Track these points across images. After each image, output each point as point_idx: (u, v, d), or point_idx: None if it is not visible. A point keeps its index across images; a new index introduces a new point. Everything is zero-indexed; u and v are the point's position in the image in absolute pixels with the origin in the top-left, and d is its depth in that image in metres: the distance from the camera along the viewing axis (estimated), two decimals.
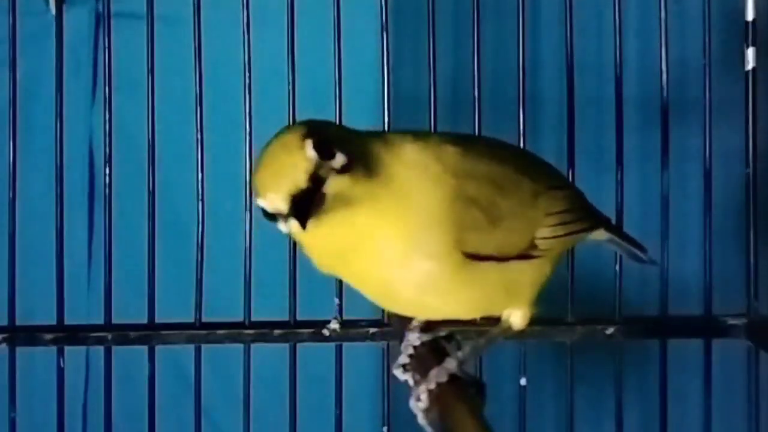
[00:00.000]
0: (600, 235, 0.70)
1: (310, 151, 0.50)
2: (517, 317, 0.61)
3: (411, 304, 0.58)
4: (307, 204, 0.50)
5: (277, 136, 0.53)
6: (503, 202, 0.56)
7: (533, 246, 0.58)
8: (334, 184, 0.50)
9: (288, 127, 0.54)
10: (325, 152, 0.50)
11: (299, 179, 0.50)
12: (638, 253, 0.73)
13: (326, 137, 0.51)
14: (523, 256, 0.58)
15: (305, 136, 0.51)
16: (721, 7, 0.87)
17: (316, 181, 0.50)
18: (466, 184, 0.55)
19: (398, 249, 0.53)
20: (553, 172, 0.65)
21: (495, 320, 0.62)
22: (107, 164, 0.87)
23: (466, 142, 0.58)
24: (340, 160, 0.51)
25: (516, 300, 0.60)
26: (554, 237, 0.60)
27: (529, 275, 0.59)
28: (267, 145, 0.53)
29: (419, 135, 0.57)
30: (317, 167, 0.50)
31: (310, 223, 0.50)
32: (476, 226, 0.55)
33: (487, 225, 0.55)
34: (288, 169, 0.50)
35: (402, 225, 0.53)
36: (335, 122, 0.55)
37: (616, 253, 0.83)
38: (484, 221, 0.55)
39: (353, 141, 0.53)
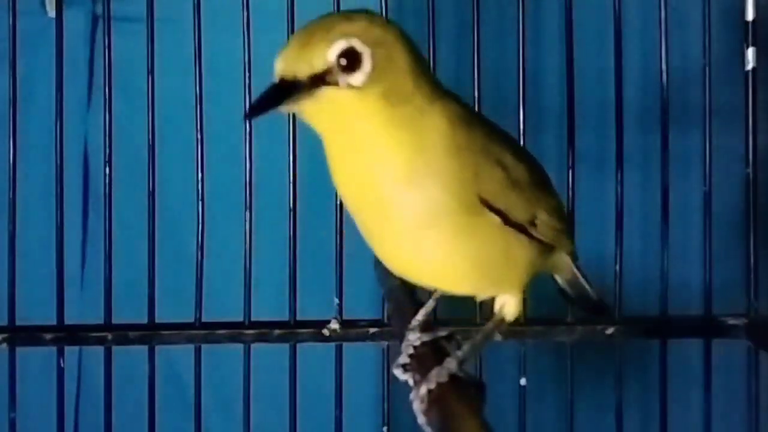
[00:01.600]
0: (566, 270, 0.70)
1: (334, 53, 0.51)
2: (510, 306, 0.61)
3: (409, 243, 0.56)
4: (282, 95, 0.51)
5: (350, 12, 0.53)
6: (521, 171, 0.59)
7: (533, 224, 0.60)
8: (330, 93, 0.51)
9: (362, 11, 0.54)
10: (349, 64, 0.51)
11: (302, 70, 0.51)
12: (593, 295, 0.73)
13: (356, 51, 0.51)
14: (523, 230, 0.59)
15: (349, 35, 0.51)
16: (721, 7, 0.87)
17: (315, 82, 0.51)
18: (494, 146, 0.57)
19: (403, 168, 0.53)
20: (548, 177, 0.66)
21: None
22: (107, 164, 0.87)
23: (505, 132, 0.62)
24: (357, 79, 0.51)
25: (508, 277, 0.60)
26: (549, 225, 0.61)
27: (523, 251, 0.60)
28: (335, 13, 0.55)
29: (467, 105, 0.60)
30: (328, 71, 0.51)
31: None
32: (498, 180, 0.57)
33: (506, 183, 0.57)
34: (306, 50, 0.51)
35: (414, 152, 0.53)
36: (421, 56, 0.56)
37: (615, 253, 0.83)
38: (504, 179, 0.57)
39: (412, 72, 0.53)
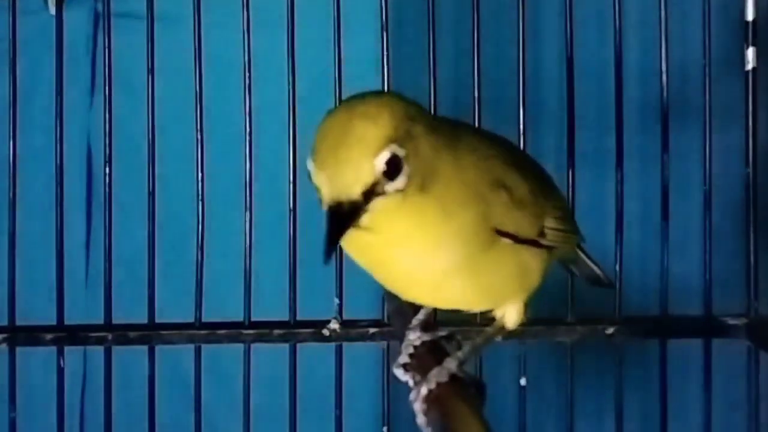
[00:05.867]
0: (570, 252, 0.71)
1: (380, 165, 0.49)
2: (511, 314, 0.62)
3: (433, 288, 0.57)
4: (345, 223, 0.49)
5: (363, 106, 0.51)
6: (524, 187, 0.58)
7: (542, 233, 0.60)
8: (381, 204, 0.50)
9: (376, 104, 0.51)
10: (392, 171, 0.50)
11: (354, 191, 0.49)
12: (599, 273, 0.73)
13: (398, 156, 0.50)
14: (533, 242, 0.59)
15: (387, 141, 0.50)
16: (721, 7, 0.87)
17: (368, 196, 0.50)
18: (495, 169, 0.57)
19: (432, 242, 0.53)
20: (550, 177, 0.66)
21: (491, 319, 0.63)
22: (107, 164, 0.87)
23: (495, 136, 0.62)
24: (400, 183, 0.50)
25: (521, 292, 0.61)
26: (558, 229, 0.62)
27: (535, 262, 0.60)
28: (349, 109, 0.51)
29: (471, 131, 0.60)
30: (376, 182, 0.50)
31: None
32: (503, 204, 0.56)
33: (512, 206, 0.57)
34: (352, 169, 0.49)
35: (442, 222, 0.53)
36: (416, 104, 0.54)
37: (616, 253, 0.83)
38: (509, 201, 0.57)
39: (424, 141, 0.52)
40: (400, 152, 0.50)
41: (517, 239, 0.58)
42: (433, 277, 0.56)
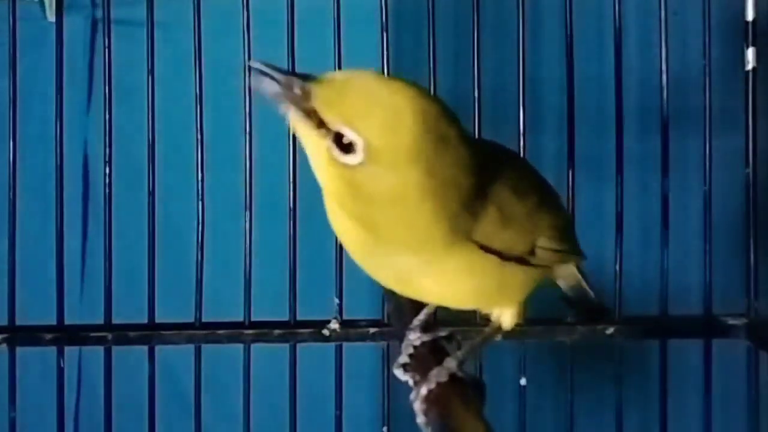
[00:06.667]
0: (569, 276, 0.70)
1: (340, 129, 0.50)
2: (507, 316, 0.62)
3: (405, 284, 0.58)
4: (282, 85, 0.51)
5: (405, 103, 0.50)
6: (517, 206, 0.57)
7: (532, 253, 0.59)
8: (313, 141, 0.52)
9: (404, 109, 0.50)
10: (337, 145, 0.50)
11: (319, 107, 0.50)
12: (596, 300, 0.72)
13: (352, 146, 0.50)
14: (521, 260, 0.59)
15: (362, 134, 0.49)
16: (721, 7, 0.87)
17: (314, 113, 0.51)
18: (493, 186, 0.55)
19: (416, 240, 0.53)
20: (555, 194, 0.65)
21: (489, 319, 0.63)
22: (107, 165, 0.87)
23: (495, 147, 0.60)
24: (342, 159, 0.50)
25: (506, 299, 0.61)
26: (550, 249, 0.60)
27: (522, 277, 0.60)
28: (399, 89, 0.50)
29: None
30: (327, 129, 0.50)
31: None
32: (491, 221, 0.55)
33: (501, 223, 0.56)
34: (331, 101, 0.50)
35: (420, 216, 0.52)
36: (451, 121, 0.52)
37: (616, 254, 0.83)
38: (498, 219, 0.55)
39: (404, 172, 0.50)
40: (358, 153, 0.50)
41: (504, 256, 0.57)
42: (397, 273, 0.56)
